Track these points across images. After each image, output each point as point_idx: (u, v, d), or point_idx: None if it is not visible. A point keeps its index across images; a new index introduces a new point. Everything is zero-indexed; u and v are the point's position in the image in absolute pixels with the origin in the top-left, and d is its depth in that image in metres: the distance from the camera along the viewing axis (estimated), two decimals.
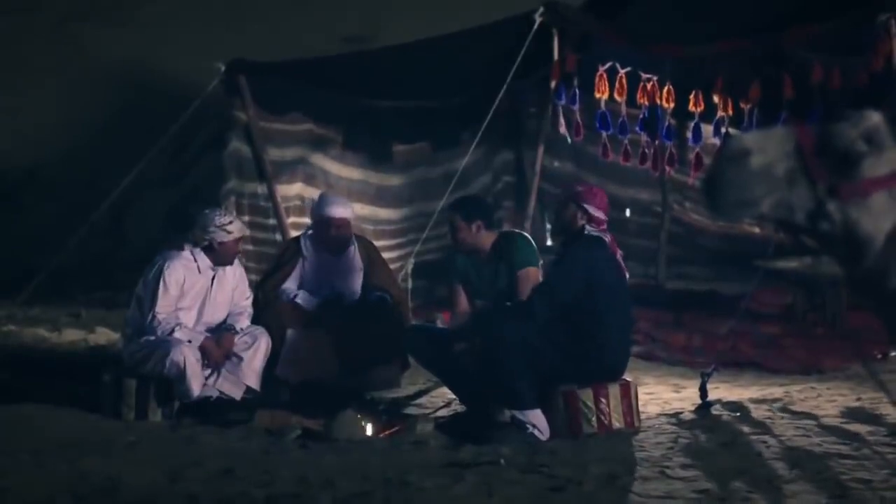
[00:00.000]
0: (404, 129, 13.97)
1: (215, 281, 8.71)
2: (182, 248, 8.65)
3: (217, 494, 6.10)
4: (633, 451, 7.13)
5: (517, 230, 9.01)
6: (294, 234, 11.04)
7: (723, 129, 11.19)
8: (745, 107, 11.01)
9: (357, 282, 9.35)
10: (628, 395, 7.72)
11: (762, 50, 10.69)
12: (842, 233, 3.43)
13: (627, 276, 8.02)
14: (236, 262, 8.93)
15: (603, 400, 7.57)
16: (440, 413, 8.50)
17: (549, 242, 13.86)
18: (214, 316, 8.74)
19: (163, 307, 8.44)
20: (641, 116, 11.41)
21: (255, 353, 8.59)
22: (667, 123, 11.46)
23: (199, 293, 8.67)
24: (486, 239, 8.33)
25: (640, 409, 8.01)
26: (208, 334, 8.57)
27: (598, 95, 11.15)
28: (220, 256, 8.66)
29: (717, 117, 11.18)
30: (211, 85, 12.85)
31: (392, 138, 14.19)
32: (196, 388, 8.29)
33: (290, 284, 9.24)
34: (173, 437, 7.82)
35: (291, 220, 12.95)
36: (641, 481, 6.30)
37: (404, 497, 5.99)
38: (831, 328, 11.79)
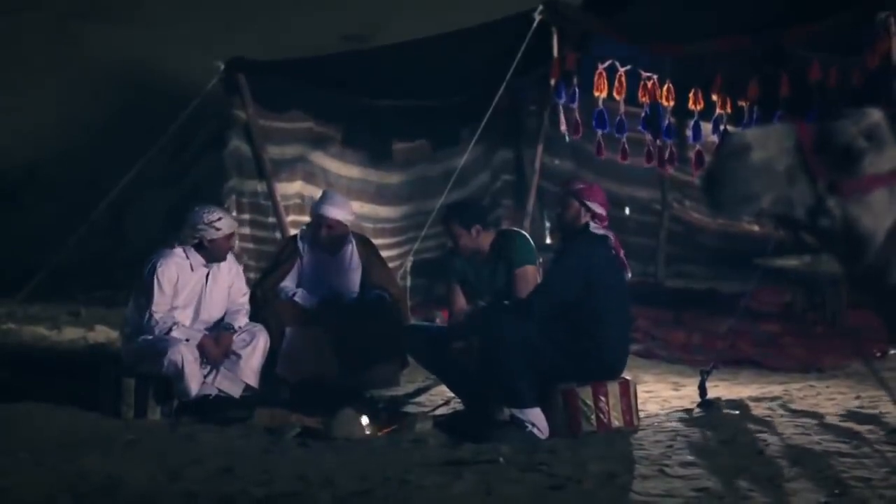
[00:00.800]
0: (404, 128, 13.98)
1: (210, 278, 8.71)
2: (174, 247, 8.66)
3: (216, 493, 6.10)
4: (632, 450, 7.13)
5: (515, 229, 9.00)
6: (293, 232, 11.03)
7: (721, 127, 11.20)
8: (744, 105, 11.03)
9: (355, 280, 9.35)
10: (627, 393, 7.71)
11: (762, 48, 10.69)
12: (842, 230, 3.43)
13: (630, 275, 8.01)
14: (232, 259, 8.92)
15: (602, 398, 7.56)
16: (439, 411, 8.50)
17: (548, 240, 13.88)
18: (211, 314, 8.74)
19: (159, 306, 8.45)
20: (643, 114, 11.41)
21: (253, 350, 8.59)
22: (667, 122, 11.47)
23: (194, 291, 8.67)
24: (486, 239, 8.33)
25: (640, 407, 8.01)
26: (206, 332, 8.58)
27: (596, 94, 11.15)
28: (211, 254, 8.66)
29: (716, 115, 11.20)
30: (210, 83, 12.84)
31: (392, 136, 14.18)
32: (194, 387, 8.29)
33: (289, 283, 9.25)
34: (172, 436, 7.82)
35: (291, 218, 12.94)
36: (641, 479, 6.30)
37: (404, 495, 5.99)
38: (831, 326, 11.79)
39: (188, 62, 15.27)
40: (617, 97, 11.22)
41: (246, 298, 8.95)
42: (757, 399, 8.84)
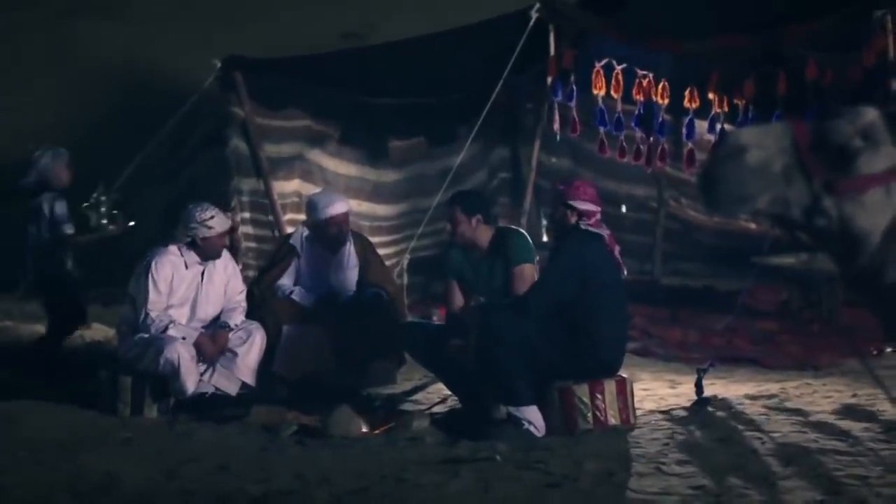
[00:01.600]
0: (401, 126, 13.98)
1: (205, 276, 8.71)
2: (168, 246, 8.66)
3: (213, 491, 6.10)
4: (628, 448, 7.13)
5: (514, 227, 9.01)
6: (290, 230, 11.04)
7: (718, 126, 11.22)
8: (740, 103, 11.04)
9: (353, 278, 9.36)
10: (624, 391, 7.72)
11: (759, 47, 10.71)
12: (838, 229, 3.44)
13: (625, 272, 8.01)
14: (228, 256, 8.93)
15: (599, 396, 7.57)
16: (436, 409, 8.51)
17: (544, 238, 13.88)
18: (208, 312, 8.74)
19: (154, 305, 8.45)
20: (637, 112, 11.42)
21: (249, 348, 8.59)
22: (660, 119, 11.47)
23: (190, 289, 8.67)
24: (484, 234, 8.33)
25: (636, 405, 8.01)
26: (203, 330, 8.58)
27: (595, 92, 11.16)
28: (205, 252, 8.65)
29: (713, 114, 11.21)
30: (207, 81, 12.84)
31: (389, 134, 14.19)
32: (191, 385, 8.29)
33: (286, 281, 9.26)
34: (170, 434, 7.82)
35: (289, 216, 12.95)
36: (637, 478, 6.30)
37: (400, 493, 5.99)
38: (827, 324, 11.80)
39: (185, 60, 15.26)
40: (614, 95, 11.23)
41: (243, 296, 8.96)
42: (753, 397, 8.85)
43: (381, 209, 14.21)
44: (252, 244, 12.71)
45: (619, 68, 11.19)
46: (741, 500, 5.78)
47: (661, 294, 13.51)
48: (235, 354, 8.55)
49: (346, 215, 9.31)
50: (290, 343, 8.91)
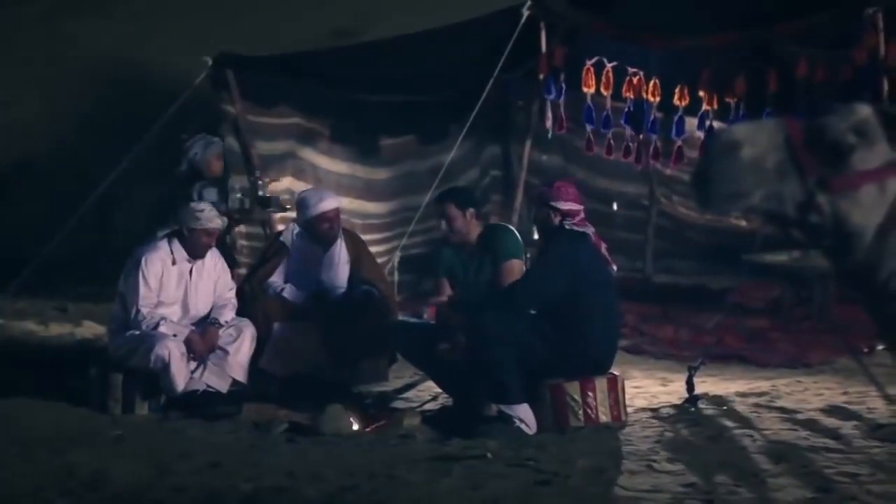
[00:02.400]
0: (392, 123, 13.97)
1: (194, 273, 8.70)
2: (158, 241, 8.65)
3: (204, 488, 6.10)
4: (619, 445, 7.14)
5: (503, 223, 9.01)
6: (281, 228, 11.03)
7: (707, 123, 11.22)
8: (731, 101, 11.04)
9: (344, 275, 9.34)
10: (615, 388, 7.72)
11: (749, 44, 10.71)
12: (831, 226, 3.43)
13: (615, 268, 8.01)
14: (217, 254, 8.90)
15: (590, 393, 7.57)
16: (427, 407, 8.51)
17: (535, 236, 13.86)
18: (199, 309, 8.72)
19: (145, 301, 8.43)
20: (626, 110, 11.42)
21: (240, 345, 8.57)
22: (652, 117, 11.48)
23: (180, 287, 8.64)
24: (475, 229, 8.33)
25: (627, 402, 8.01)
26: (193, 328, 8.56)
27: (585, 89, 11.17)
28: (191, 246, 8.63)
29: (702, 111, 11.21)
30: (199, 79, 12.83)
31: (380, 132, 14.18)
32: (181, 383, 8.27)
33: (277, 278, 9.24)
34: (160, 431, 7.81)
35: (280, 214, 12.93)
36: (628, 475, 6.31)
37: (391, 491, 5.99)
38: (818, 322, 11.81)
39: (177, 57, 15.24)
40: (604, 93, 11.24)
41: (232, 293, 8.94)
42: (744, 394, 8.87)
43: (372, 207, 14.20)
44: (244, 242, 12.69)
45: (609, 66, 11.20)
46: (731, 497, 5.79)
47: (652, 292, 13.52)
48: (226, 352, 8.53)
49: (336, 211, 9.31)
50: (280, 341, 8.90)
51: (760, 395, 8.85)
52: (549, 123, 11.53)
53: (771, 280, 12.44)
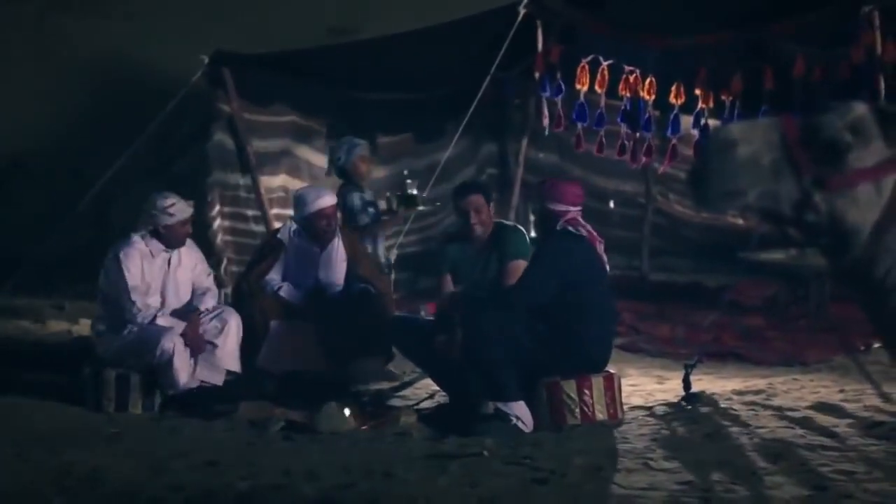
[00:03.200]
0: (388, 121, 13.96)
1: (172, 263, 8.70)
2: (131, 237, 8.64)
3: (201, 486, 6.09)
4: (616, 443, 7.14)
5: (511, 223, 9.01)
6: (277, 225, 11.03)
7: (703, 121, 11.22)
8: (727, 99, 11.04)
9: (340, 273, 9.34)
10: (612, 386, 7.72)
11: (746, 42, 10.71)
12: (828, 224, 3.44)
13: (608, 267, 7.99)
14: (190, 242, 8.91)
15: (586, 391, 7.57)
16: (424, 405, 8.51)
17: (532, 234, 13.87)
18: (180, 298, 8.73)
19: (137, 290, 8.44)
20: (623, 108, 11.43)
21: (226, 336, 8.55)
22: (647, 115, 11.48)
23: (158, 278, 8.65)
24: (491, 223, 8.35)
25: (624, 400, 8.01)
26: (181, 321, 8.52)
27: (578, 87, 11.17)
28: (168, 240, 8.64)
29: (698, 109, 11.21)
30: (195, 77, 12.82)
31: (376, 130, 14.15)
32: (184, 377, 8.27)
33: (274, 276, 9.23)
34: (156, 429, 7.81)
35: (275, 210, 12.94)
36: (625, 473, 6.31)
37: (388, 489, 5.98)
38: (814, 320, 11.82)
39: (173, 55, 15.22)
40: (598, 90, 11.24)
41: (211, 279, 8.97)
42: (740, 392, 8.87)
43: None
44: (229, 237, 12.68)
45: (605, 64, 11.20)
46: (728, 495, 5.79)
47: (648, 290, 13.53)
48: (215, 345, 8.52)
49: (334, 208, 9.32)
50: (277, 339, 8.90)
51: (757, 393, 8.86)
52: (545, 122, 11.54)
53: (767, 278, 12.45)
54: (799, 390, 9.02)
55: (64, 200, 13.41)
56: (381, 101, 13.39)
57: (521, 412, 7.46)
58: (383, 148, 14.31)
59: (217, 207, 12.53)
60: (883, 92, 9.77)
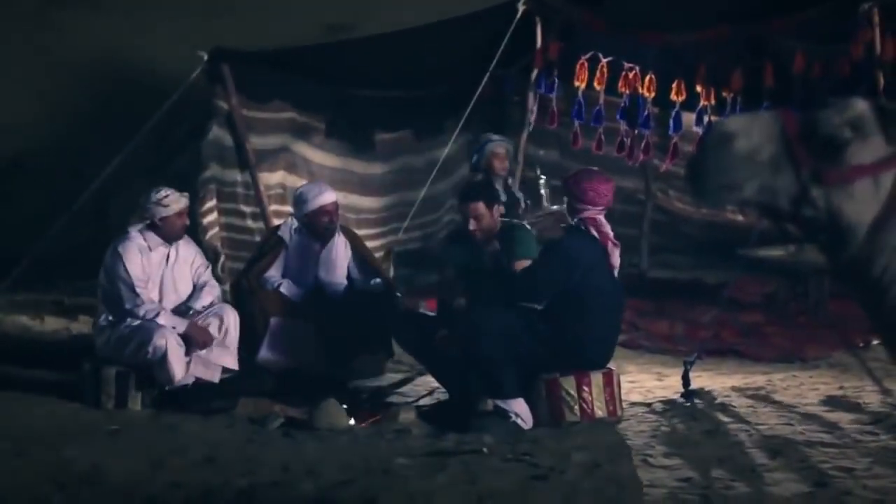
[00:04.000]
0: (387, 118, 13.95)
1: (170, 258, 8.70)
2: (129, 232, 8.63)
3: (200, 483, 6.09)
4: (615, 440, 7.13)
5: (518, 221, 8.99)
6: (276, 222, 11.02)
7: (705, 118, 11.21)
8: (728, 95, 11.03)
9: (342, 271, 9.33)
10: (611, 383, 7.71)
11: (746, 38, 10.71)
12: (826, 219, 3.43)
13: (618, 263, 7.91)
14: (187, 237, 8.91)
15: (585, 388, 7.57)
16: (423, 401, 8.51)
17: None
18: (179, 292, 8.71)
19: (139, 282, 8.42)
20: (622, 105, 11.42)
21: (225, 334, 8.54)
22: (647, 112, 11.47)
23: (157, 272, 8.64)
24: (498, 224, 8.32)
25: (623, 397, 8.01)
26: (183, 320, 8.51)
27: (576, 84, 11.16)
28: (166, 233, 8.63)
29: (700, 106, 11.20)
30: (194, 73, 12.80)
31: (375, 127, 14.15)
32: (179, 373, 8.24)
33: (274, 272, 9.23)
34: (155, 426, 7.81)
35: (273, 207, 12.91)
36: (624, 470, 6.31)
37: (387, 485, 5.98)
38: (813, 316, 11.82)
39: (172, 52, 15.21)
40: (597, 87, 11.23)
41: (209, 273, 8.95)
42: (740, 389, 8.87)
43: (367, 202, 14.17)
44: (223, 233, 12.67)
45: (605, 61, 11.19)
46: (728, 492, 5.79)
47: (647, 286, 13.51)
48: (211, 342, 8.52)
49: (335, 205, 9.30)
50: (277, 335, 8.89)
51: (756, 389, 8.86)
52: (533, 117, 11.57)
53: (766, 275, 12.45)
54: (798, 387, 9.02)
55: (63, 198, 13.38)
56: (380, 98, 13.38)
57: (520, 409, 7.46)
58: (382, 145, 14.30)
59: (208, 204, 12.49)
60: (882, 89, 9.77)
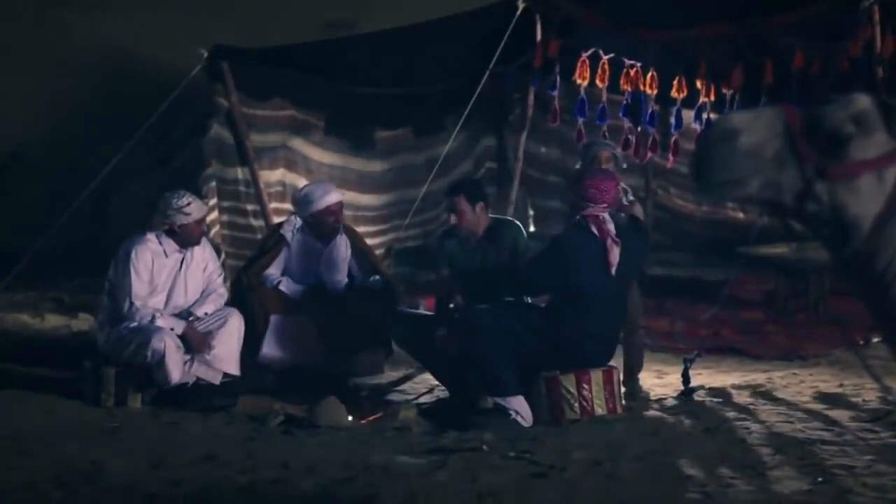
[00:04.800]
0: (387, 115, 13.93)
1: (184, 263, 8.68)
2: (146, 234, 8.61)
3: (200, 480, 6.09)
4: (615, 438, 7.13)
5: (510, 218, 9.00)
6: (276, 219, 11.01)
7: (704, 115, 11.21)
8: (728, 92, 11.02)
9: (342, 269, 9.32)
10: (611, 380, 7.71)
11: (745, 36, 10.70)
12: (829, 215, 3.43)
13: (616, 260, 7.87)
14: (205, 241, 8.90)
15: (585, 386, 7.56)
16: (423, 399, 8.51)
17: (531, 228, 13.88)
18: (187, 298, 8.69)
19: (138, 294, 8.41)
20: (625, 102, 11.41)
21: (229, 338, 8.53)
22: (650, 110, 11.46)
23: (168, 277, 8.63)
24: (484, 222, 8.31)
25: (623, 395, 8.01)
26: (184, 321, 8.50)
27: (579, 81, 11.15)
28: (183, 239, 8.62)
29: (700, 103, 11.19)
30: (194, 71, 12.79)
31: (375, 124, 14.13)
32: (176, 374, 8.23)
33: (274, 270, 9.22)
34: (156, 423, 7.80)
35: (273, 205, 12.89)
36: (624, 468, 6.30)
37: (387, 483, 5.98)
38: (814, 314, 11.82)
39: (172, 49, 15.21)
40: (599, 84, 11.22)
41: (220, 280, 8.94)
42: (740, 387, 8.87)
43: (366, 199, 14.15)
44: (225, 231, 12.66)
45: (605, 58, 11.18)
46: (728, 489, 5.79)
47: (648, 284, 13.50)
48: (213, 346, 8.50)
49: (340, 204, 9.29)
50: (277, 333, 8.88)
51: (756, 387, 8.86)
52: (530, 112, 11.60)
53: (767, 272, 12.44)
54: (798, 384, 9.02)
55: (62, 194, 13.37)
56: (380, 96, 13.36)
57: (520, 407, 7.46)
58: (382, 142, 14.29)
59: (210, 202, 12.48)
60: (881, 86, 9.76)
